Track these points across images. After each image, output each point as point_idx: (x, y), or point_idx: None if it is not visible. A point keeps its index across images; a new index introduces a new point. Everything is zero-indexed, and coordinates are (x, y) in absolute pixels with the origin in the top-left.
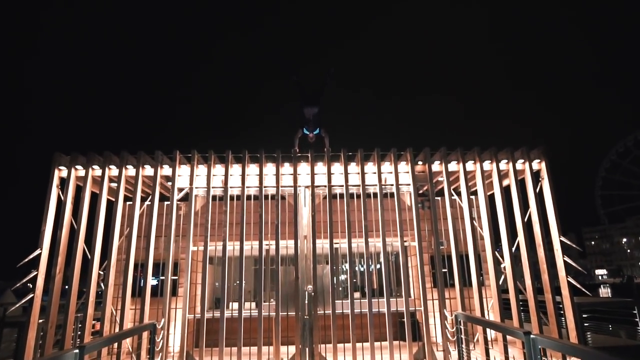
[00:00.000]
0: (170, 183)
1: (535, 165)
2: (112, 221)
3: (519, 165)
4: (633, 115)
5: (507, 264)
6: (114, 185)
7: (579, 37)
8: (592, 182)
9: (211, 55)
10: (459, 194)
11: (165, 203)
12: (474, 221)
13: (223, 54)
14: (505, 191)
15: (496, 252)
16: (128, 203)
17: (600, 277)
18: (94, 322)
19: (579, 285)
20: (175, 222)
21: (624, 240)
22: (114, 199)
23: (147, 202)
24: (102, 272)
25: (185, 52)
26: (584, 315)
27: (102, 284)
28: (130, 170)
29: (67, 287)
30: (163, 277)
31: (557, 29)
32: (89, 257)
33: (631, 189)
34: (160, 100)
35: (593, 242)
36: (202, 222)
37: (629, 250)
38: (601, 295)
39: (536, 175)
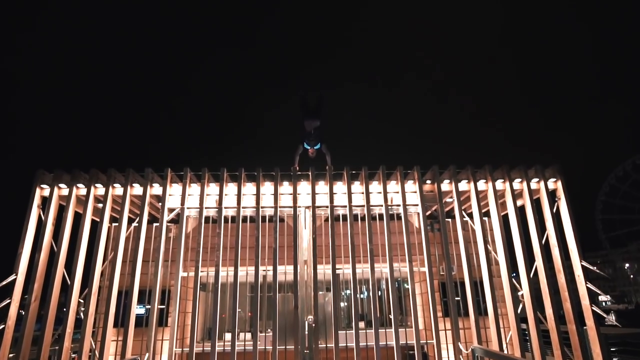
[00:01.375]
0: (160, 203)
1: (551, 184)
2: (95, 244)
3: (534, 184)
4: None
5: (525, 291)
6: (99, 205)
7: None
8: (592, 206)
9: (205, 66)
10: (470, 215)
11: (155, 225)
12: (488, 245)
13: (218, 62)
14: (520, 212)
15: (512, 279)
16: (114, 225)
17: (604, 304)
18: (73, 355)
19: (606, 315)
20: (164, 245)
21: (627, 265)
22: (98, 220)
23: (135, 224)
24: (82, 300)
25: (178, 62)
26: (611, 349)
27: (81, 313)
28: (118, 189)
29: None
30: (150, 306)
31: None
32: (69, 283)
33: (632, 213)
34: (151, 116)
35: (595, 267)
36: (194, 246)
37: (631, 276)
38: (606, 323)
39: (552, 195)
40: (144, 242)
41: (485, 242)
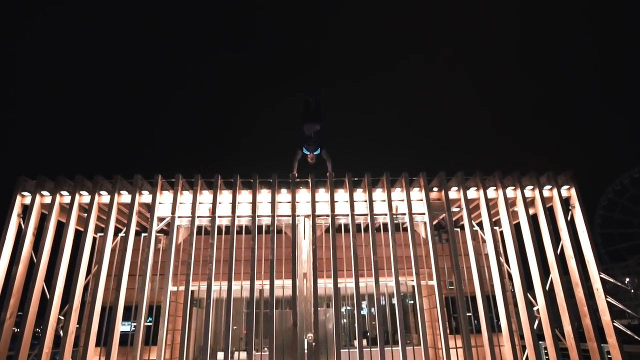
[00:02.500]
0: (150, 212)
1: (564, 191)
2: (78, 256)
3: (546, 192)
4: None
5: (541, 306)
6: (85, 215)
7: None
8: (591, 220)
9: (198, 68)
10: (479, 225)
11: (143, 235)
12: (500, 256)
13: (211, 65)
14: (532, 221)
15: (527, 293)
16: (99, 235)
17: None
18: None
19: (629, 332)
20: (152, 258)
21: (627, 280)
22: (82, 230)
23: (122, 234)
24: (62, 317)
25: (171, 63)
26: None
27: (61, 331)
28: (105, 197)
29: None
30: (136, 323)
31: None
32: (48, 297)
33: (631, 227)
34: (142, 120)
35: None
36: (185, 258)
37: (632, 290)
38: None
39: (565, 203)
40: (131, 254)
41: (497, 253)
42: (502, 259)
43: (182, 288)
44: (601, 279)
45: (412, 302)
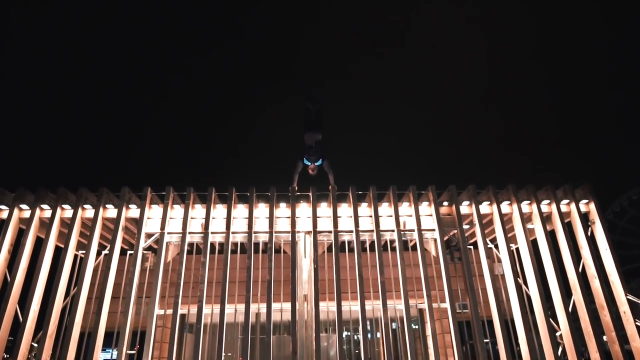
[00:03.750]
0: (138, 228)
1: (582, 206)
2: (57, 275)
3: (563, 206)
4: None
5: (564, 330)
6: (66, 230)
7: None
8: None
9: (191, 70)
10: (492, 242)
11: (129, 253)
12: (518, 278)
13: (206, 65)
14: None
15: (549, 317)
16: (81, 252)
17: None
18: None
19: None
20: (138, 278)
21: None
22: (63, 246)
23: (105, 252)
24: (35, 344)
25: (161, 68)
26: None
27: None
28: (89, 212)
29: None
30: (117, 350)
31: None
32: (21, 321)
33: (632, 249)
34: (129, 129)
35: None
36: (174, 280)
37: None
38: None
39: (584, 219)
40: (115, 275)
41: (515, 273)
42: (520, 280)
43: (170, 311)
44: (628, 300)
45: (416, 327)
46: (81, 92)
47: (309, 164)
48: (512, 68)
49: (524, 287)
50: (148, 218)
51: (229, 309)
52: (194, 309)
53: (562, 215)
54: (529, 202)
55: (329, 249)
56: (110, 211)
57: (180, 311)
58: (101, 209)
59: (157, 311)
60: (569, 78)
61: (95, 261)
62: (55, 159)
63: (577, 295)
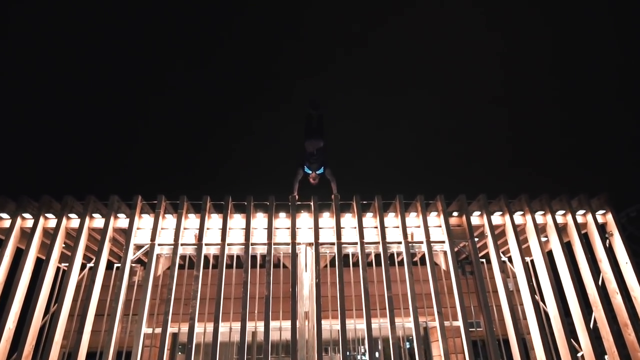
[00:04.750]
0: (127, 238)
1: (599, 217)
2: (36, 290)
3: (579, 217)
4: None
5: (586, 351)
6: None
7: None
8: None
9: (186, 70)
10: (504, 255)
11: (116, 266)
12: (536, 295)
13: (201, 64)
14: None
15: (570, 337)
16: (64, 265)
17: None
18: None
19: None
20: (125, 293)
21: None
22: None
23: (90, 264)
24: None
25: (153, 69)
26: None
27: None
28: (75, 221)
29: None
30: None
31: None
32: None
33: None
34: (119, 135)
35: None
36: (164, 296)
37: None
38: None
39: (601, 230)
40: (100, 290)
41: (532, 288)
42: (538, 297)
43: (159, 330)
44: None
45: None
46: (68, 94)
47: (310, 172)
48: (526, 74)
49: (541, 304)
50: (138, 228)
51: (224, 327)
52: (185, 327)
53: (578, 227)
54: (542, 212)
55: (332, 262)
56: (98, 221)
57: (170, 329)
58: (87, 219)
59: (145, 329)
60: (580, 87)
61: (79, 275)
62: (41, 165)
63: (599, 312)
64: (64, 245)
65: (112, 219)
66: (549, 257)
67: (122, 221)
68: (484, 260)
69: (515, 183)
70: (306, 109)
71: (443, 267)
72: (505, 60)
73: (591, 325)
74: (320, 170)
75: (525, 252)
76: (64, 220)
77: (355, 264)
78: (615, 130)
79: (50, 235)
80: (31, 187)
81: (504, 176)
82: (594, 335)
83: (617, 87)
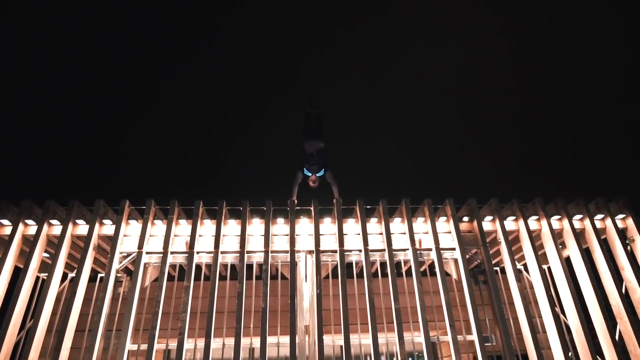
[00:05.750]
0: (112, 246)
1: (619, 222)
2: (11, 303)
3: (597, 222)
4: None
5: None
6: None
7: None
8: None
9: (176, 66)
10: (520, 263)
11: (99, 276)
12: (556, 307)
13: (194, 60)
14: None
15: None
16: (43, 275)
17: None
18: None
19: None
20: (109, 305)
21: None
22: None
23: (72, 274)
24: None
25: (144, 65)
26: None
27: None
28: (57, 228)
29: None
30: None
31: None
32: None
33: None
34: (108, 137)
35: None
36: (151, 310)
37: None
38: None
39: (622, 235)
40: (82, 304)
41: (551, 298)
42: (558, 308)
43: (145, 346)
44: None
45: None
46: (54, 95)
47: (310, 174)
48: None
49: (561, 315)
50: (125, 235)
51: (216, 343)
52: (173, 343)
53: (597, 232)
54: (558, 217)
55: (334, 271)
56: (82, 227)
57: (157, 346)
58: (70, 225)
59: (130, 346)
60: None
61: (60, 286)
62: (23, 169)
63: (624, 324)
64: (47, 255)
65: (97, 225)
66: (567, 264)
67: (108, 228)
68: (497, 268)
69: (522, 187)
70: (305, 108)
71: (454, 276)
72: (518, 53)
73: (616, 338)
74: (321, 173)
75: (541, 259)
76: (45, 226)
77: (360, 275)
78: (630, 132)
79: (30, 243)
80: (13, 192)
81: (510, 180)
82: (620, 349)
83: (633, 86)
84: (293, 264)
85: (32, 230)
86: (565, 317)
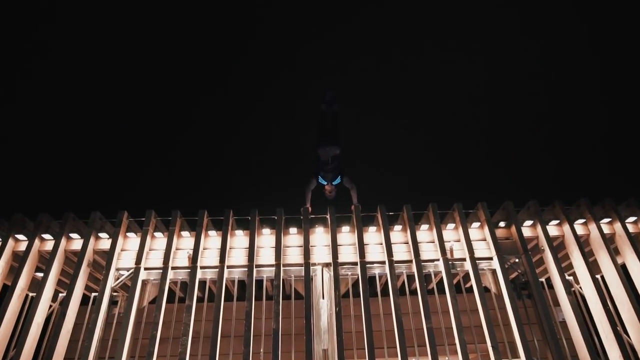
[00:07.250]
0: (108, 261)
1: None
2: None
3: None
4: None
5: None
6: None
7: None
8: None
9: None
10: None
11: (93, 295)
12: (618, 327)
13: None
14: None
15: None
16: (32, 294)
17: None
18: None
19: None
20: (102, 329)
21: None
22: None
23: (62, 294)
24: None
25: (145, 66)
26: None
27: None
28: (49, 243)
29: None
30: None
31: None
32: None
33: None
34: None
35: None
36: (147, 336)
37: None
38: None
39: None
40: (72, 329)
41: (609, 313)
42: (619, 327)
43: None
44: None
45: None
46: (49, 98)
47: (325, 183)
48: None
49: (624, 335)
50: (122, 250)
51: None
52: None
53: None
54: (608, 220)
55: (355, 287)
56: (77, 242)
57: None
58: (63, 239)
59: None
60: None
61: (49, 309)
62: (17, 182)
63: None
64: (42, 275)
65: (91, 239)
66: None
67: (105, 242)
68: (543, 280)
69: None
70: (320, 106)
71: (493, 289)
72: (542, 50)
73: None
74: (337, 181)
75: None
76: (37, 242)
77: (384, 291)
78: None
79: (20, 259)
80: (5, 206)
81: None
82: None
83: None
84: (308, 279)
85: (23, 246)
86: (629, 337)
